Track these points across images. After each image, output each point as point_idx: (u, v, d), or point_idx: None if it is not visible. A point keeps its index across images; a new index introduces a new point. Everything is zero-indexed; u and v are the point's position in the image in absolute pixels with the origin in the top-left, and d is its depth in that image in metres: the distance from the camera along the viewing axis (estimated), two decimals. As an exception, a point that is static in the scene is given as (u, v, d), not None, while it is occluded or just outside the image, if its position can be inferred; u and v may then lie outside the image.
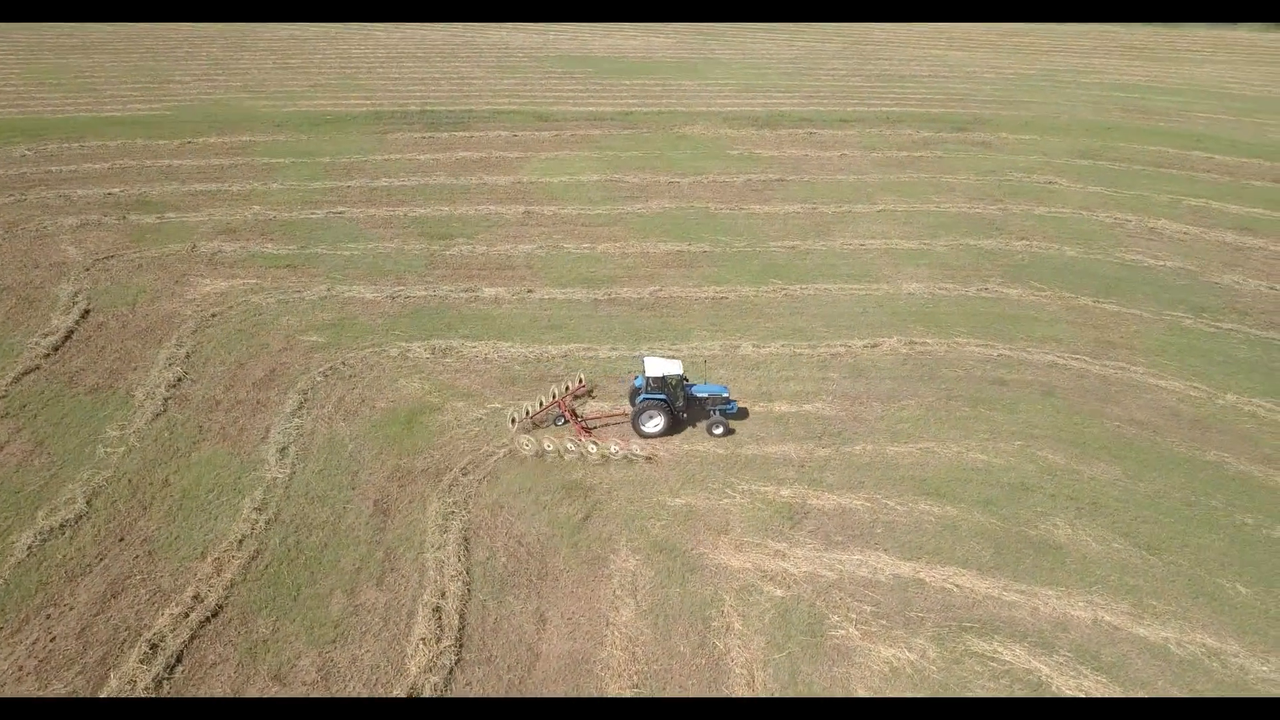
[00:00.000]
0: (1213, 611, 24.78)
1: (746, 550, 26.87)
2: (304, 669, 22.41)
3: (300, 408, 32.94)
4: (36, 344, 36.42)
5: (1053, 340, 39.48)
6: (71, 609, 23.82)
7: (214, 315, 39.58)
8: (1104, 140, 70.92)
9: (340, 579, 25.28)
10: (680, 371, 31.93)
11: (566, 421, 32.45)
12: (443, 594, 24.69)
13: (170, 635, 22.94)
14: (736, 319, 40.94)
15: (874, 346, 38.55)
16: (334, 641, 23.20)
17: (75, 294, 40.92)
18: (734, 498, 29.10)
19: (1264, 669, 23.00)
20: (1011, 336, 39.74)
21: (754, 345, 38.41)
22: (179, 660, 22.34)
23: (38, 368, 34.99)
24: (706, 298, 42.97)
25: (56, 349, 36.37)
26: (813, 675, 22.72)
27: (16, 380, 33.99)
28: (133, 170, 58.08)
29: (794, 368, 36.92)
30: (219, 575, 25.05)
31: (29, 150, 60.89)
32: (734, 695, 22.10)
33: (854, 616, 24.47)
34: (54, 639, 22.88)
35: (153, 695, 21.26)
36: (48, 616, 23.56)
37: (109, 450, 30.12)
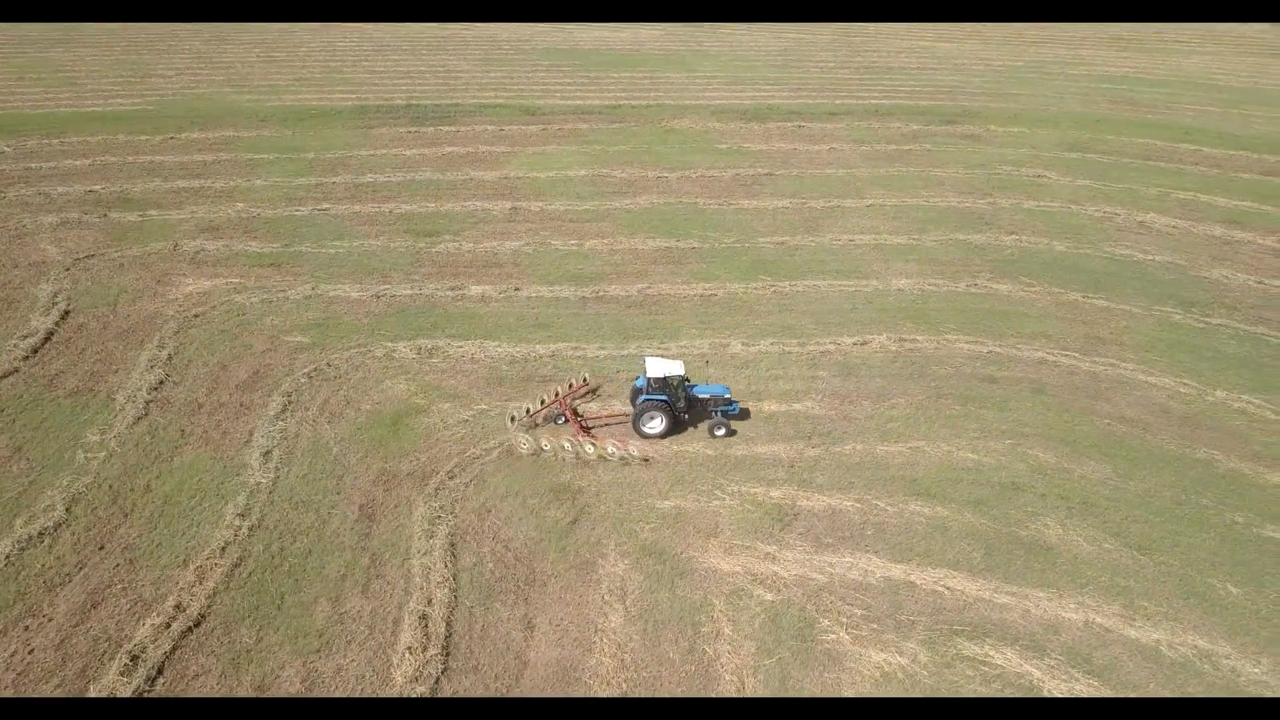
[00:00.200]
0: (1204, 612, 24.69)
1: (736, 553, 26.65)
2: (288, 680, 22.09)
3: (284, 410, 32.52)
4: (15, 346, 35.85)
5: (1042, 336, 39.35)
6: (50, 620, 23.41)
7: (196, 316, 39.06)
8: (1093, 133, 70.83)
9: (325, 586, 24.94)
10: (682, 372, 31.64)
11: (566, 421, 32.15)
12: (429, 601, 24.39)
13: (151, 646, 22.58)
14: (725, 316, 40.66)
15: (863, 344, 38.33)
16: (318, 651, 22.88)
17: (55, 294, 40.32)
18: (723, 499, 28.86)
19: (1255, 670, 22.92)
20: (1001, 333, 39.59)
21: (743, 343, 38.14)
22: (160, 672, 21.99)
23: (16, 370, 34.45)
24: (695, 295, 42.67)
25: (36, 351, 35.81)
26: (803, 681, 22.54)
27: (-6, 384, 33.50)
28: (114, 167, 57.30)
29: (783, 366, 36.67)
30: (201, 584, 24.68)
31: (8, 146, 59.97)
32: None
33: (845, 620, 24.28)
34: (32, 651, 22.49)
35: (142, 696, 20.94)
36: (26, 628, 23.17)
37: (89, 455, 29.66)
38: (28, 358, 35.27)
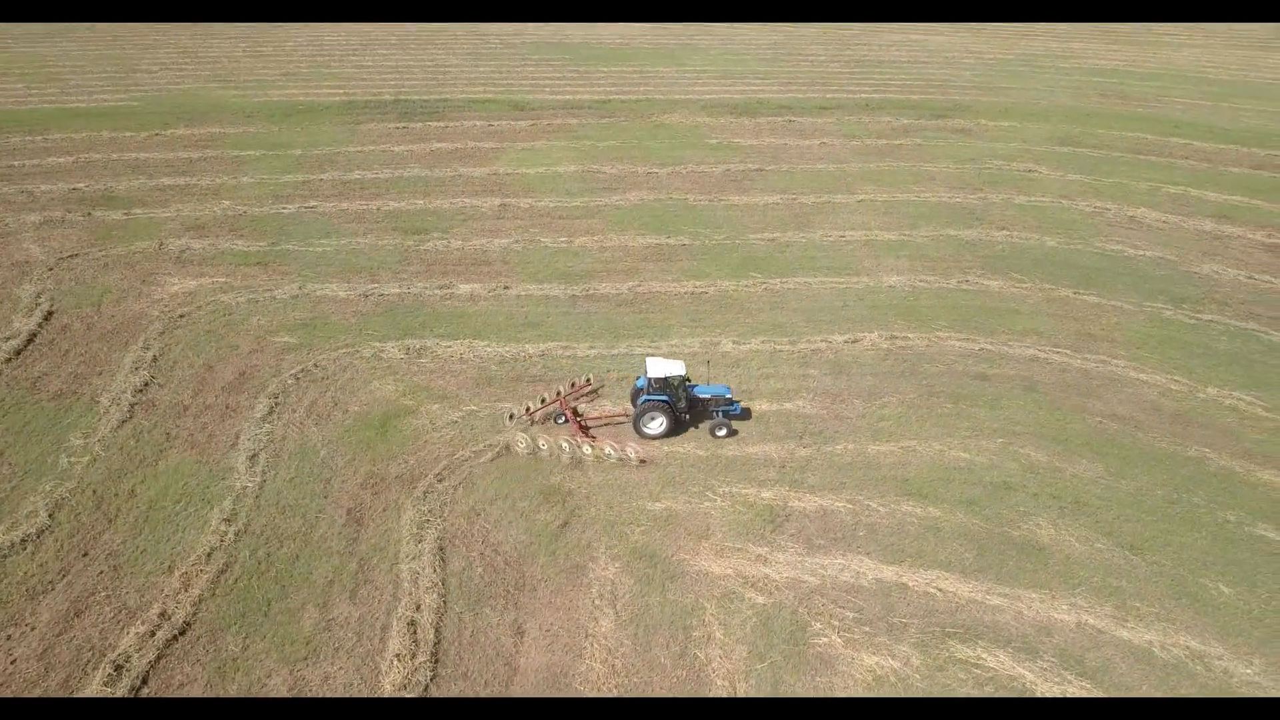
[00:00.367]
0: (1195, 613, 24.62)
1: (728, 556, 26.47)
2: (275, 688, 21.83)
3: (271, 412, 32.19)
4: (-3, 348, 35.45)
5: (1034, 333, 39.25)
6: (33, 629, 23.09)
7: (182, 316, 38.64)
8: (1083, 126, 70.76)
9: (312, 592, 24.67)
10: (683, 372, 31.41)
11: (567, 420, 31.92)
12: (418, 607, 24.15)
13: (136, 655, 22.28)
14: (716, 314, 40.43)
15: (855, 342, 38.17)
16: (306, 659, 22.62)
17: (38, 295, 39.84)
18: (715, 501, 28.67)
19: (1248, 671, 22.86)
20: (993, 330, 39.47)
21: (734, 342, 37.93)
22: (144, 682, 21.71)
23: (-1, 373, 34.05)
24: (686, 292, 42.42)
25: (18, 353, 35.37)
26: (795, 685, 22.38)
27: (-24, 387, 33.06)
28: (98, 164, 56.71)
29: (774, 365, 36.48)
30: (186, 591, 24.37)
31: (-10, 144, 59.42)
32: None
33: (836, 623, 24.13)
34: (14, 661, 22.19)
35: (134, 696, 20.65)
36: (8, 637, 22.85)
37: (73, 460, 29.29)
38: (10, 360, 34.82)
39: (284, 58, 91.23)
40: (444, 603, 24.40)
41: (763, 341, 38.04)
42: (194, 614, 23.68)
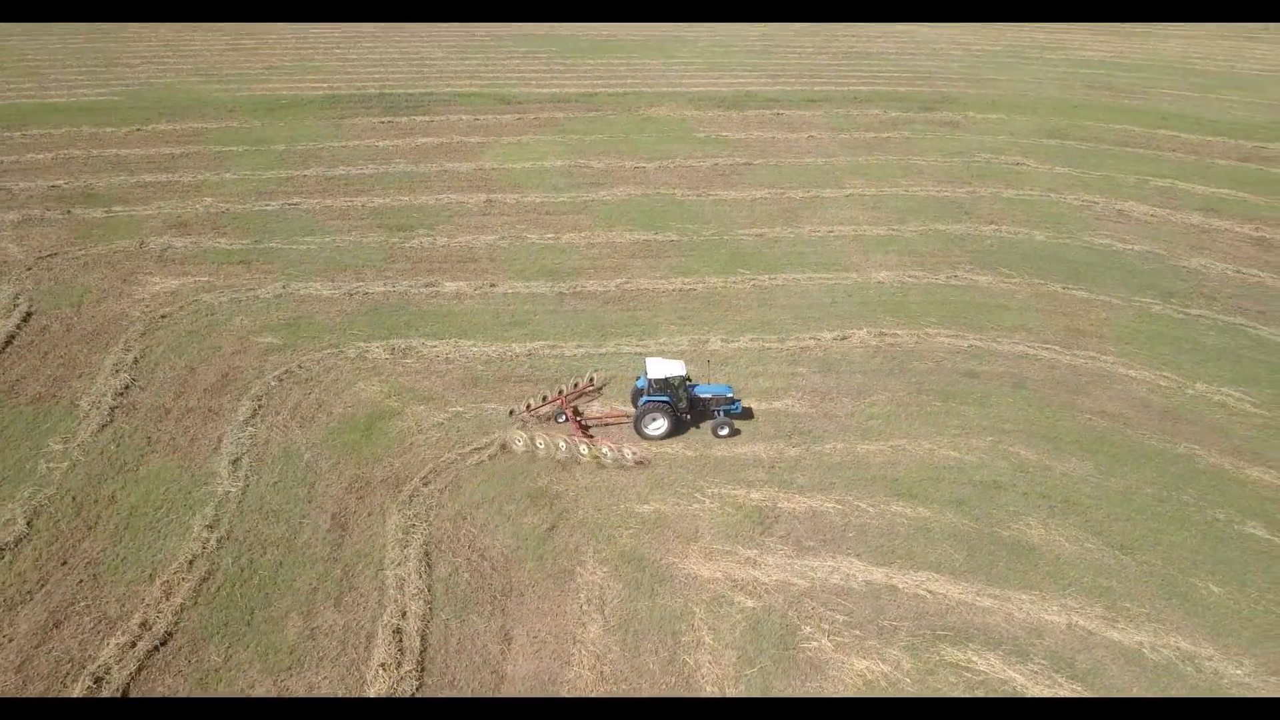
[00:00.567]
0: (1186, 613, 24.54)
1: (717, 558, 26.24)
2: (258, 699, 21.50)
3: (254, 415, 31.76)
4: (-26, 351, 34.89)
5: (1023, 329, 39.12)
6: (10, 640, 22.68)
7: (164, 316, 38.12)
8: (1071, 119, 70.69)
9: (296, 600, 24.32)
10: (683, 372, 31.14)
11: (567, 419, 31.63)
12: (403, 614, 23.84)
13: (116, 667, 21.91)
14: (704, 312, 40.15)
15: (844, 339, 37.96)
16: (290, 669, 22.29)
17: (16, 295, 39.24)
18: (704, 502, 28.44)
19: (1238, 672, 22.79)
20: (981, 326, 39.33)
21: (722, 340, 37.68)
22: (125, 694, 21.31)
23: (-24, 377, 33.50)
24: (674, 289, 42.12)
25: (-4, 356, 34.85)
26: (785, 691, 22.17)
27: (-47, 391, 32.52)
28: (78, 161, 55.96)
29: (763, 363, 36.24)
30: (168, 599, 23.99)
31: (-32, 140, 58.56)
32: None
33: (826, 627, 23.95)
34: (-8, 674, 21.79)
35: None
36: (-15, 649, 22.45)
37: (52, 466, 28.82)
38: (-12, 363, 34.31)
39: (266, 51, 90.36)
40: (430, 609, 24.10)
41: (751, 339, 37.80)
42: (176, 624, 23.30)
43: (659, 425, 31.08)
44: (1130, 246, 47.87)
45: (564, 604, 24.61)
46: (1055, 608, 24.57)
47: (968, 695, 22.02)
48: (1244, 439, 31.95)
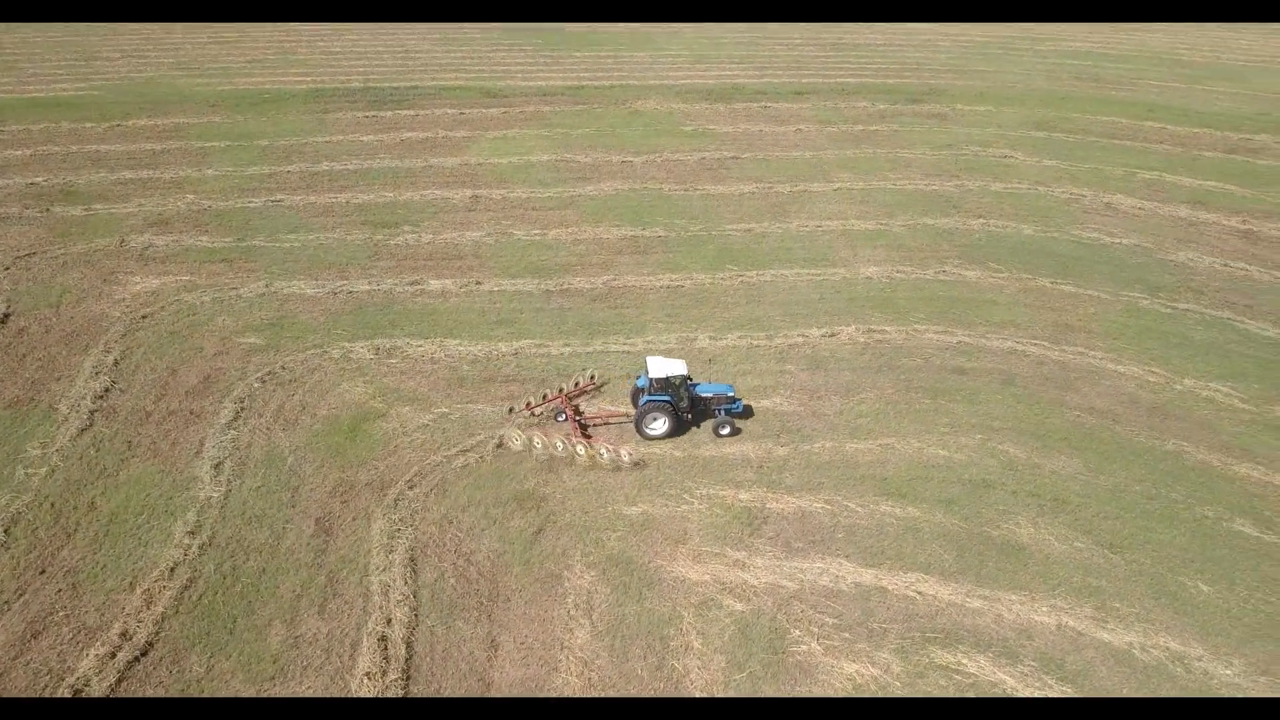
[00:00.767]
0: (1175, 613, 24.48)
1: (705, 561, 26.04)
2: (241, 710, 21.18)
3: (236, 418, 31.35)
4: (-49, 354, 34.32)
5: (1011, 325, 39.00)
6: (-12, 652, 22.32)
7: (144, 317, 37.59)
8: (1058, 111, 70.60)
9: (279, 608, 24.00)
10: (684, 371, 30.88)
11: (566, 418, 31.35)
12: (389, 621, 23.55)
13: (95, 678, 21.57)
14: (693, 309, 39.87)
15: (832, 335, 37.75)
16: (273, 679, 21.99)
17: (-7, 296, 38.71)
18: (692, 504, 28.21)
19: (1227, 672, 22.74)
20: (970, 321, 39.19)
21: (710, 337, 37.41)
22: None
23: (-48, 380, 32.95)
24: (662, 286, 41.81)
25: (-27, 359, 34.30)
26: (775, 695, 22.00)
27: (-71, 395, 31.98)
28: (57, 157, 55.18)
29: (751, 360, 36.01)
30: (149, 608, 23.63)
31: (-56, 136, 57.66)
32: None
33: (816, 630, 23.78)
34: (-32, 687, 21.41)
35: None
36: (-38, 662, 22.05)
37: (30, 471, 28.36)
38: (-36, 366, 33.75)
39: (249, 44, 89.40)
40: (415, 616, 23.81)
41: (739, 336, 37.55)
42: (156, 633, 22.96)
43: (660, 425, 30.82)
44: (1118, 240, 47.80)
45: (551, 609, 24.37)
46: (1045, 608, 24.48)
47: (958, 696, 21.90)
48: (1232, 435, 31.93)
